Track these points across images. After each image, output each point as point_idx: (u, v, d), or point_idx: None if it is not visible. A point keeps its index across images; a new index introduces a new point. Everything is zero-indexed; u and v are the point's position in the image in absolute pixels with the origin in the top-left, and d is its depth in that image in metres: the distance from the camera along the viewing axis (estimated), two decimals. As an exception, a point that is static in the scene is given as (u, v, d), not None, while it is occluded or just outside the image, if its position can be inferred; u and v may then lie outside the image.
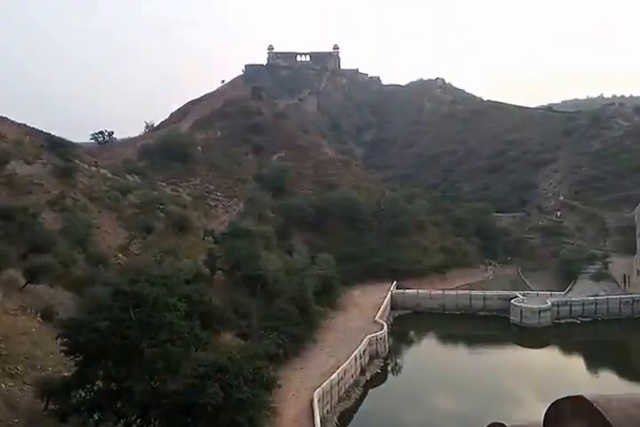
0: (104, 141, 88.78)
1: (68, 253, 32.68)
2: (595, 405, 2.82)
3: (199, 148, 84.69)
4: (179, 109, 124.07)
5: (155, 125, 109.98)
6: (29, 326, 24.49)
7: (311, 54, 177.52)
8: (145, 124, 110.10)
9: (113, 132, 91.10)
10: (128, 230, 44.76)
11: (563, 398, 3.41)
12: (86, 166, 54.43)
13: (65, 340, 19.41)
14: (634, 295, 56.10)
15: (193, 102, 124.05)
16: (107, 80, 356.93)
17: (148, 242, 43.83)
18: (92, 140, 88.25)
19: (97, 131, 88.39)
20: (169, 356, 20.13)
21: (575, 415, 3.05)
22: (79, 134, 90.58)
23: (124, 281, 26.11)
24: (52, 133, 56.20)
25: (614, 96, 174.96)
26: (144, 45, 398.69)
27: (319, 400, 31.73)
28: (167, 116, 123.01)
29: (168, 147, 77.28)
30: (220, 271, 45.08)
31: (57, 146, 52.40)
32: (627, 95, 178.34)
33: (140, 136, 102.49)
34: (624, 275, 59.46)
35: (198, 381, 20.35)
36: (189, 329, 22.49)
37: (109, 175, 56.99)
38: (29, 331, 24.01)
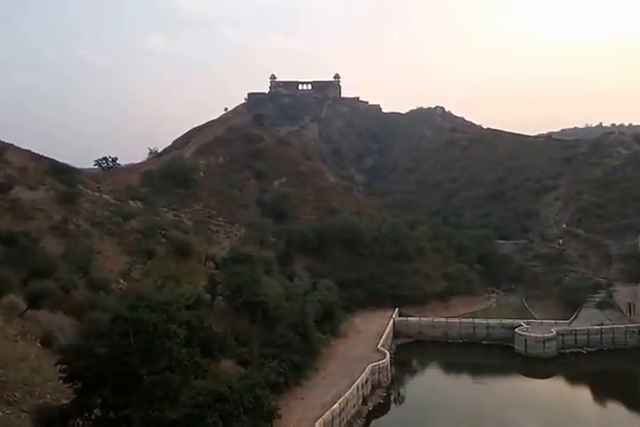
0: (108, 167, 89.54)
1: (69, 279, 32.52)
2: None
3: (201, 173, 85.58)
4: (182, 136, 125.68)
5: (158, 152, 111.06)
6: (29, 352, 24.20)
7: (312, 83, 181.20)
8: (148, 151, 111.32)
9: (117, 159, 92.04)
10: (129, 256, 44.72)
11: None
12: (89, 192, 54.85)
13: (63, 366, 19.12)
14: (639, 324, 55.34)
15: (196, 129, 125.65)
16: (114, 110, 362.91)
17: (149, 267, 43.70)
18: (96, 167, 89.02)
19: (101, 157, 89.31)
20: (168, 384, 19.79)
21: None
22: (83, 161, 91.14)
23: (125, 307, 25.90)
24: (57, 159, 56.99)
25: (613, 125, 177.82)
26: (152, 77, 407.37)
27: (321, 431, 31.05)
28: (170, 142, 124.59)
29: (171, 173, 78.17)
30: (220, 297, 44.70)
31: (61, 172, 52.94)
32: (626, 124, 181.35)
33: (144, 162, 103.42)
34: (629, 303, 58.78)
35: (197, 410, 20.00)
36: (189, 356, 22.15)
37: (112, 201, 57.33)
38: (28, 357, 23.70)
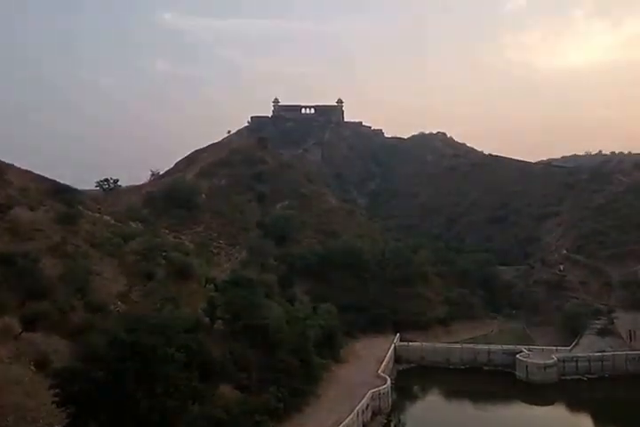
0: (109, 189, 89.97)
1: (67, 300, 32.42)
2: None
3: (203, 195, 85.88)
4: (184, 158, 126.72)
5: (160, 173, 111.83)
6: (22, 375, 23.89)
7: (315, 107, 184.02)
8: (150, 173, 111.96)
9: (118, 180, 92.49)
10: (128, 277, 44.47)
11: None
12: (90, 213, 54.97)
13: (57, 390, 18.92)
14: (641, 352, 54.65)
15: (198, 151, 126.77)
16: (116, 130, 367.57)
17: (149, 289, 43.42)
18: (98, 188, 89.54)
19: (102, 178, 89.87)
20: (166, 409, 19.58)
21: None
22: (85, 182, 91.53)
23: (122, 329, 25.78)
24: (58, 180, 57.32)
25: (613, 153, 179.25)
26: (154, 98, 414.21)
27: (318, 460, 30.45)
28: (173, 164, 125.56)
29: (172, 194, 78.46)
30: (220, 320, 44.10)
31: (61, 192, 53.24)
32: (625, 152, 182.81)
33: (145, 184, 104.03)
34: (629, 330, 58.22)
35: (194, 437, 19.69)
36: (187, 381, 22.00)
37: (112, 222, 57.37)
38: (22, 380, 23.40)
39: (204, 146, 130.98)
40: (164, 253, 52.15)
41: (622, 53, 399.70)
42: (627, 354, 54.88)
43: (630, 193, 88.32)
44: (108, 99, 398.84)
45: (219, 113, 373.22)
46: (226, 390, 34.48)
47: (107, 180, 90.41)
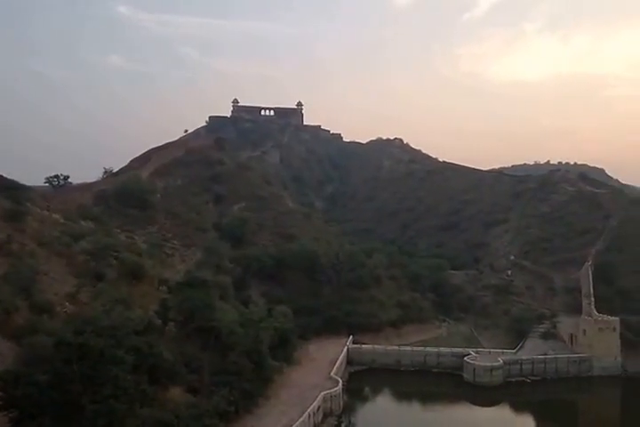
0: (59, 186, 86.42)
1: (11, 301, 31.12)
2: None
3: (158, 195, 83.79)
4: (139, 156, 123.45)
5: (113, 171, 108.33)
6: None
7: (275, 109, 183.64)
8: (103, 170, 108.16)
9: (69, 177, 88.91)
10: (77, 278, 43.12)
11: None
12: (38, 210, 52.86)
13: (0, 394, 18.20)
14: (581, 355, 57.66)
15: (154, 150, 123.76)
16: (65, 125, 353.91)
17: (99, 290, 42.14)
18: (47, 184, 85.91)
19: (52, 174, 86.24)
20: (112, 412, 19.18)
21: None
22: (33, 178, 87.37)
23: (69, 331, 24.94)
24: (4, 175, 54.68)
25: (560, 163, 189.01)
26: (107, 93, 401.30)
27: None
28: (127, 162, 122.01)
29: (126, 193, 75.76)
30: (172, 322, 43.42)
31: (7, 188, 50.92)
32: (571, 162, 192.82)
33: (98, 182, 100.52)
34: (571, 334, 61.24)
35: (142, 440, 19.35)
36: (135, 384, 21.62)
37: (62, 220, 55.19)
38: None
39: (160, 144, 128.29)
40: (115, 254, 50.75)
41: (570, 67, 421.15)
42: (568, 357, 57.86)
43: (574, 202, 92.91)
44: (55, 92, 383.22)
45: (175, 112, 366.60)
46: (176, 392, 34.02)
47: (56, 176, 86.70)
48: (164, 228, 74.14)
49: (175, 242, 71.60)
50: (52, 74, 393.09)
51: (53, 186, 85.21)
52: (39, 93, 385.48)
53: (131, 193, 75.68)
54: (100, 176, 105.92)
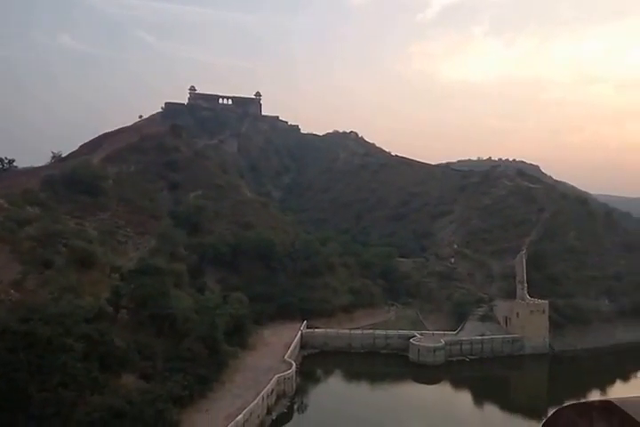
0: (3, 169, 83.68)
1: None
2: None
3: (110, 181, 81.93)
4: (90, 141, 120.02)
5: (62, 156, 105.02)
6: None
7: (233, 98, 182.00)
8: (52, 155, 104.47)
9: (14, 160, 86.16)
10: (23, 265, 41.93)
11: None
12: (-21, 195, 51.34)
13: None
14: (514, 335, 63.03)
15: (106, 135, 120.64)
16: (14, 105, 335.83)
17: (46, 278, 41.15)
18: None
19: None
20: (61, 401, 18.91)
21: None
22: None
23: (15, 319, 24.59)
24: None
25: (500, 159, 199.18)
26: (58, 76, 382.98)
27: (224, 442, 31.92)
28: (77, 147, 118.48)
29: (76, 178, 72.73)
30: (124, 310, 43.37)
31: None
32: (510, 159, 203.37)
33: (45, 166, 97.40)
34: (505, 317, 66.57)
35: (92, 427, 19.34)
36: (86, 371, 21.14)
37: (6, 205, 53.56)
38: None
39: (113, 130, 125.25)
40: (64, 241, 49.29)
41: (512, 70, 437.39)
42: (503, 337, 63.17)
43: (512, 196, 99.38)
44: None
45: (130, 96, 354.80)
46: (129, 379, 34.25)
47: (1, 160, 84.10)
48: (116, 215, 72.88)
49: (128, 229, 70.73)
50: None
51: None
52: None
53: (80, 178, 72.86)
54: (48, 161, 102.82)
